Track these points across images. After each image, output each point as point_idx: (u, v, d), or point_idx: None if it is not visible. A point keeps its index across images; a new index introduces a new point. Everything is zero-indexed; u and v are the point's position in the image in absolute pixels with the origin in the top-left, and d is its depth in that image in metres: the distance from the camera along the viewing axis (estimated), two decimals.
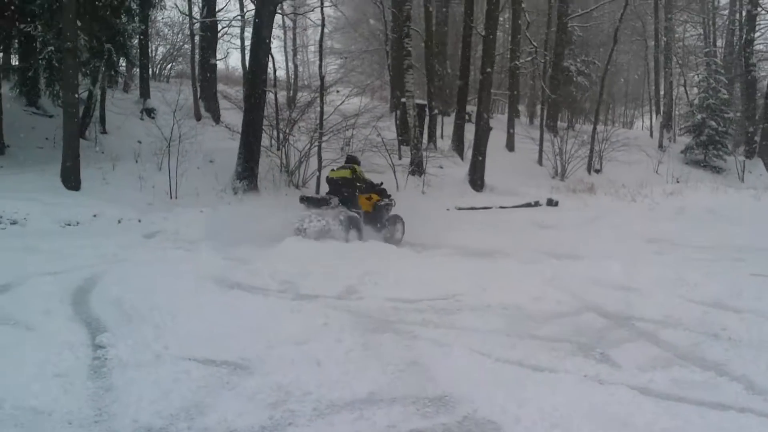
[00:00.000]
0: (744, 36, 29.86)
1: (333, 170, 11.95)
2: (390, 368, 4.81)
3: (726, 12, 34.56)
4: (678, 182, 22.32)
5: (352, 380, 4.54)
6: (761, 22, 31.02)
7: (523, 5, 20.96)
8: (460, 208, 17.48)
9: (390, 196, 12.17)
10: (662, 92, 32.44)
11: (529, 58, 27.70)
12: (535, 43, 21.65)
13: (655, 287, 7.55)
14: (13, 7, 14.51)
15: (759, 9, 29.58)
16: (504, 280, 7.58)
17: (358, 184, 11.24)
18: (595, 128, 24.01)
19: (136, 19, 17.46)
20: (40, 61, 15.28)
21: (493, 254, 9.83)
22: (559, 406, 4.16)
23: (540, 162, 23.86)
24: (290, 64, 34.67)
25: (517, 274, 7.96)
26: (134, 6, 17.11)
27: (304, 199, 11.20)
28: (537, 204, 18.67)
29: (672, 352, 5.44)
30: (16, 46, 17.42)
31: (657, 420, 4.00)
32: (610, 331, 6.06)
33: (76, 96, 14.10)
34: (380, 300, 6.84)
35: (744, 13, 30.62)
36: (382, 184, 12.17)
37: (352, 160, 12.03)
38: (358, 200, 11.35)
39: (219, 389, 4.44)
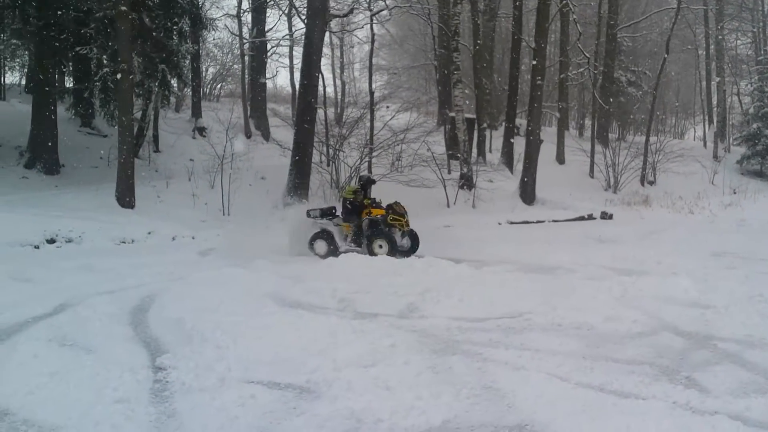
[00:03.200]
0: None
1: None
2: (464, 393, 4.55)
3: None
4: (735, 193, 21.54)
5: (426, 407, 4.30)
6: None
7: (573, 17, 20.51)
8: (512, 222, 17.14)
9: (398, 213, 11.43)
10: (714, 101, 31.48)
11: (580, 70, 27.22)
12: (587, 54, 21.15)
13: (732, 304, 7.12)
14: (69, 31, 14.85)
15: None
16: (572, 297, 7.23)
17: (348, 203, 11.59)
18: (647, 139, 23.35)
19: (188, 40, 17.71)
20: (95, 83, 15.55)
21: (555, 270, 9.46)
22: None
23: (591, 174, 23.34)
24: (337, 81, 35.00)
25: (584, 291, 7.59)
26: (186, 28, 17.35)
27: None
28: (591, 217, 18.17)
29: (763, 376, 5.07)
30: (71, 68, 17.83)
31: None
32: (691, 352, 5.68)
33: (132, 116, 14.31)
34: (444, 319, 6.57)
35: None
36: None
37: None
38: (359, 215, 11.44)
39: (287, 415, 4.26)
